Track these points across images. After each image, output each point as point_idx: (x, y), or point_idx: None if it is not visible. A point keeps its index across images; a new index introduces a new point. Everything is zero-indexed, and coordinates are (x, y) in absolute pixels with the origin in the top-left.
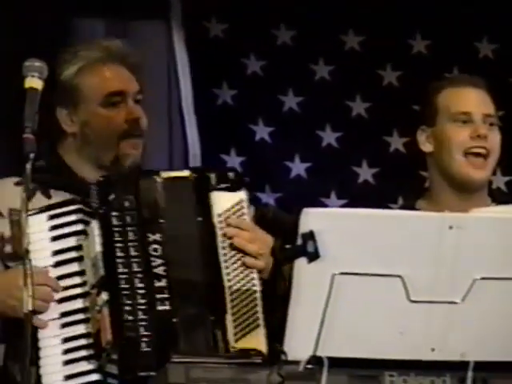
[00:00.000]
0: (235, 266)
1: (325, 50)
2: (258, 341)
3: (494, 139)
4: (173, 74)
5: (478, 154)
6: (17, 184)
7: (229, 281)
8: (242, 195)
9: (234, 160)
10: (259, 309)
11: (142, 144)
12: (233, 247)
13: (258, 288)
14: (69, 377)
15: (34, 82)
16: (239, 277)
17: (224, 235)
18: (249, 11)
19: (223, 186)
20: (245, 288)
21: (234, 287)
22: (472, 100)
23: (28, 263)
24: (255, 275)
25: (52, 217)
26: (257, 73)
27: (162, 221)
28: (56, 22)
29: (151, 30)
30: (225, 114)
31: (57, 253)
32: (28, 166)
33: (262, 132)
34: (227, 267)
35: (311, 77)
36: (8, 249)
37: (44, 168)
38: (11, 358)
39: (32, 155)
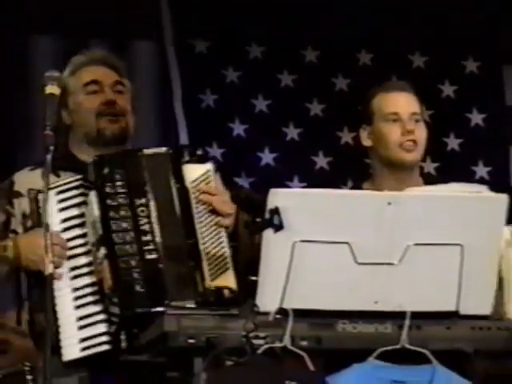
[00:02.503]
0: (207, 221)
1: (288, 62)
2: (228, 280)
3: (420, 132)
4: (167, 82)
5: (408, 145)
6: (31, 170)
7: (201, 233)
8: (208, 166)
9: (215, 151)
10: (228, 255)
11: (124, 121)
12: (207, 209)
13: (225, 239)
14: (80, 318)
15: (53, 89)
16: (210, 230)
17: (197, 198)
18: (227, 31)
19: (193, 159)
20: (215, 239)
21: (206, 238)
22: (400, 102)
23: (47, 234)
24: (223, 230)
25: (59, 192)
26: (234, 81)
27: (146, 188)
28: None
29: (148, 48)
30: (208, 114)
31: (64, 220)
32: (48, 156)
33: (238, 129)
34: (200, 223)
35: (277, 84)
36: (29, 223)
37: (54, 156)
38: (36, 311)
39: (51, 148)
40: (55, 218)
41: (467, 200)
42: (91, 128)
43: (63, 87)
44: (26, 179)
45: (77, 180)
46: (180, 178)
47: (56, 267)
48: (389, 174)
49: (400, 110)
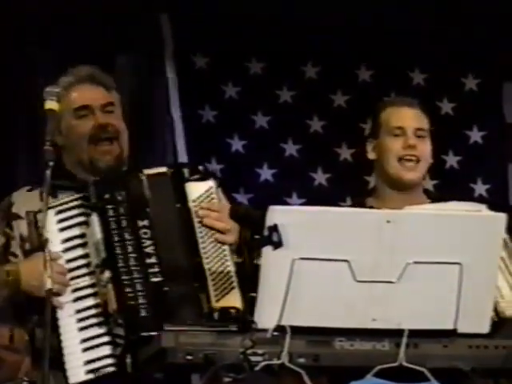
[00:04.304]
0: (209, 241)
1: (288, 78)
2: (234, 299)
3: (424, 148)
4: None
5: (409, 160)
6: (29, 190)
7: (205, 253)
8: (210, 183)
9: (214, 167)
10: (233, 274)
11: (118, 146)
12: (204, 226)
13: (229, 258)
14: (84, 340)
15: (53, 105)
16: (213, 249)
17: (199, 218)
18: (226, 48)
19: (195, 177)
20: (219, 258)
21: (210, 258)
22: (405, 117)
23: (47, 251)
24: (226, 247)
25: (58, 212)
26: (233, 97)
27: (148, 209)
28: None
29: (146, 63)
30: (207, 130)
31: (64, 241)
32: (48, 172)
33: (237, 145)
34: (203, 242)
35: (277, 100)
36: (28, 246)
37: (53, 175)
38: (38, 326)
39: (51, 163)
40: (56, 238)
41: (466, 219)
42: (84, 155)
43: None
44: (24, 200)
45: (77, 199)
46: (182, 198)
47: (58, 295)
48: (391, 191)
49: (405, 124)
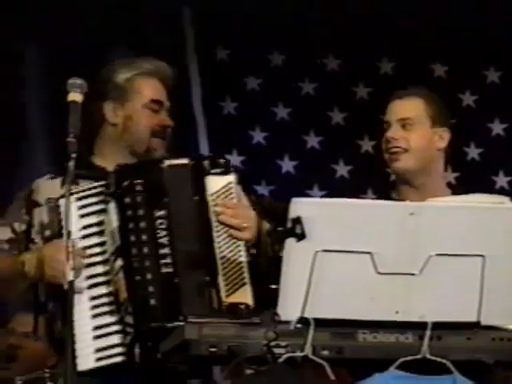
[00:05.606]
0: (224, 236)
1: (309, 70)
2: (245, 296)
3: (409, 136)
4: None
5: (393, 153)
6: (51, 178)
7: (219, 248)
8: (230, 178)
9: (235, 159)
10: (245, 270)
11: (166, 145)
12: (220, 223)
13: (243, 254)
14: (96, 328)
15: (76, 96)
16: (227, 245)
17: (215, 211)
18: (247, 40)
19: (215, 170)
20: (232, 254)
21: (224, 253)
22: (391, 110)
23: (69, 241)
24: (241, 243)
25: (79, 199)
26: (254, 89)
27: (166, 200)
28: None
29: (169, 56)
30: (228, 122)
31: (83, 228)
32: (71, 163)
33: (258, 136)
34: (218, 237)
35: (298, 92)
36: (47, 233)
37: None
38: (54, 318)
39: (74, 155)
40: (75, 224)
41: (489, 211)
42: (141, 143)
43: (121, 86)
44: (46, 188)
45: (97, 187)
46: (201, 191)
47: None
48: (402, 184)
49: (390, 117)
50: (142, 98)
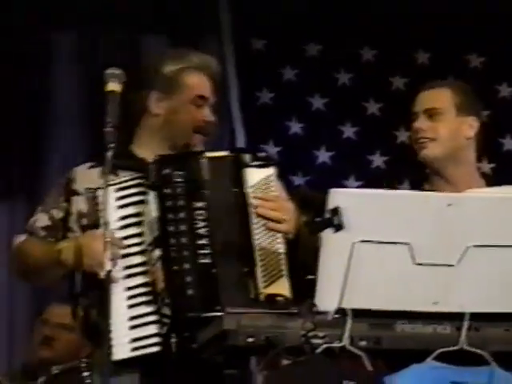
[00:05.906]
0: (263, 228)
1: (345, 61)
2: (282, 287)
3: (436, 126)
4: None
5: (421, 143)
6: (91, 167)
7: (258, 239)
8: (270, 171)
9: (272, 150)
10: (283, 262)
11: (206, 140)
12: (258, 215)
13: (281, 246)
14: (132, 318)
15: (115, 86)
16: (266, 237)
17: (253, 204)
18: (283, 30)
19: (255, 163)
20: (270, 246)
21: (262, 245)
22: (418, 102)
23: (108, 232)
24: (280, 235)
25: (118, 189)
26: (290, 79)
27: (205, 191)
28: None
29: (205, 45)
30: (265, 112)
31: (121, 218)
32: (109, 153)
33: (295, 127)
34: (257, 229)
35: (334, 82)
36: (84, 221)
37: (114, 155)
38: (90, 307)
39: (112, 145)
40: (113, 215)
41: None
42: (182, 137)
43: (169, 78)
44: (85, 177)
45: (136, 178)
46: (240, 183)
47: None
48: (434, 174)
49: (417, 109)
50: (188, 92)
